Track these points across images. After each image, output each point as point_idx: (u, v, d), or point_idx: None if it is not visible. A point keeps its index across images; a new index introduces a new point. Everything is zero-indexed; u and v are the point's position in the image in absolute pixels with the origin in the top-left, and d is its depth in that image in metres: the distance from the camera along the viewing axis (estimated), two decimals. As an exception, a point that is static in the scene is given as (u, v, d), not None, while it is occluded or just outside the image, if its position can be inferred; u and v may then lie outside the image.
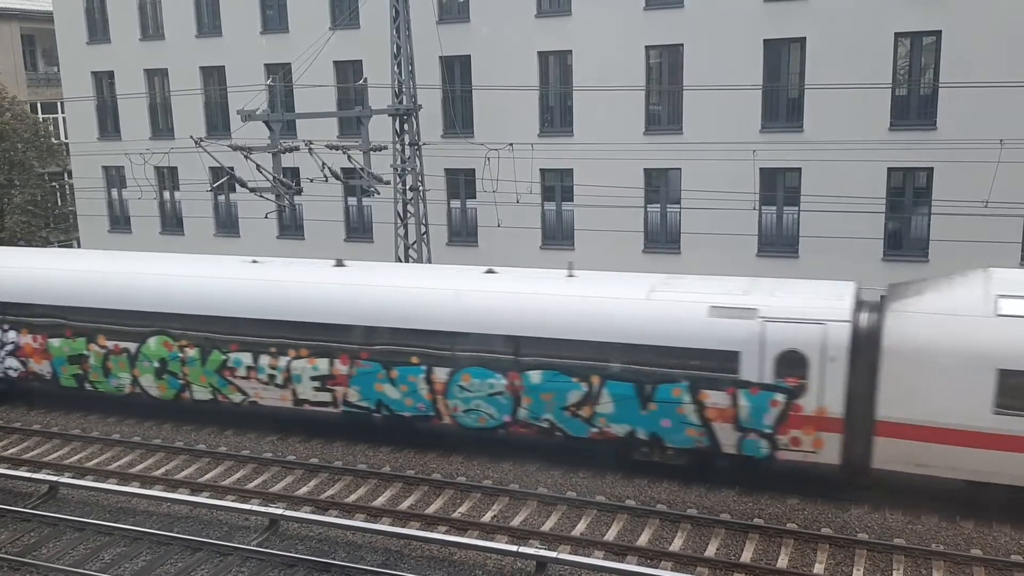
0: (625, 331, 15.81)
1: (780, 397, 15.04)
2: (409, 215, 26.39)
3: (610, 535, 14.44)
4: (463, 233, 29.79)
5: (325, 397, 17.96)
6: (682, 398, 15.59)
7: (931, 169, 24.41)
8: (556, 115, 28.35)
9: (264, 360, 18.22)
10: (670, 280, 16.78)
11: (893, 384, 14.36)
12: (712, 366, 15.32)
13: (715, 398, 15.38)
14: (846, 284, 15.78)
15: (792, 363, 14.90)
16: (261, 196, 22.74)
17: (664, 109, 27.30)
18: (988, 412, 13.86)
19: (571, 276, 17.37)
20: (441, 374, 17.02)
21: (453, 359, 16.93)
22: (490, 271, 18.07)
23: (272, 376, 18.22)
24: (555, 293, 16.70)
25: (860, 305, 15.27)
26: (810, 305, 15.08)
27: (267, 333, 18.12)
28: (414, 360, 17.20)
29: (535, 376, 16.45)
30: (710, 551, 13.90)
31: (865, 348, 14.63)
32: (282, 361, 18.07)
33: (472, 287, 17.33)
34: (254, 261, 19.82)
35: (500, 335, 16.55)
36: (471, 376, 16.86)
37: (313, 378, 17.92)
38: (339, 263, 19.11)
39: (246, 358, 18.36)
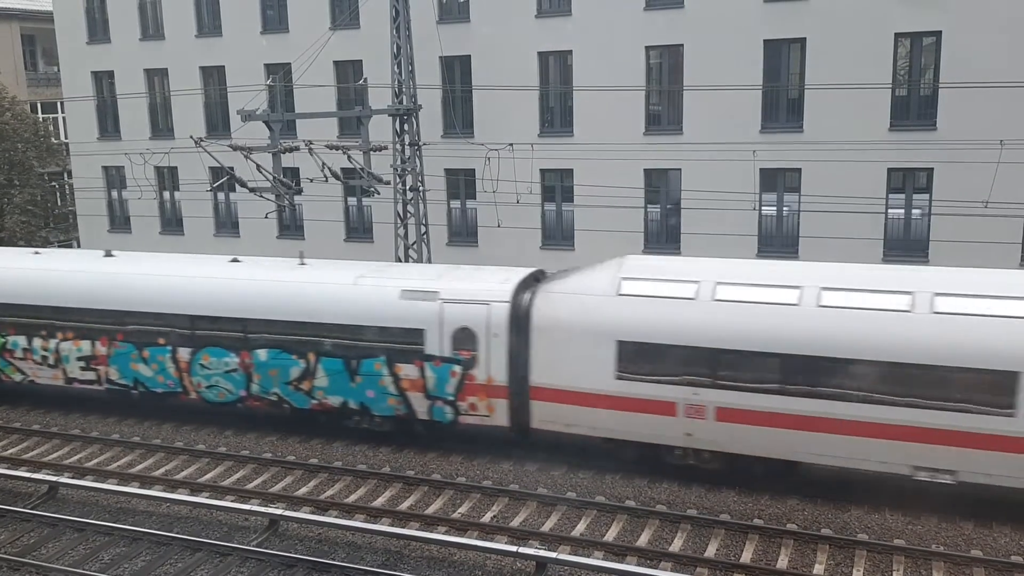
0: (334, 312, 17.68)
1: (457, 368, 17.07)
2: (409, 215, 26.38)
3: (610, 535, 14.45)
4: (463, 233, 29.79)
5: (90, 376, 19.74)
6: (382, 371, 17.50)
7: (931, 169, 24.41)
8: (556, 115, 28.33)
9: (37, 342, 19.98)
10: (380, 268, 18.84)
11: (541, 354, 16.50)
12: (404, 342, 17.29)
13: (408, 370, 17.36)
14: (523, 269, 17.78)
15: (465, 338, 16.94)
16: (261, 196, 22.76)
17: (664, 109, 27.29)
18: (611, 378, 15.87)
19: (302, 264, 19.24)
20: (184, 354, 18.82)
21: (193, 339, 18.63)
22: (235, 260, 19.86)
23: (45, 357, 20.00)
24: (280, 279, 18.53)
25: (523, 287, 17.12)
26: (480, 288, 17.10)
27: (39, 317, 19.92)
28: (161, 341, 18.97)
29: (262, 354, 18.27)
30: (710, 552, 13.91)
31: (521, 324, 16.66)
32: (52, 343, 19.79)
33: (209, 274, 19.13)
34: (36, 252, 21.76)
35: (231, 317, 18.42)
36: (209, 355, 18.66)
37: (79, 358, 19.70)
38: (108, 253, 20.87)
39: (22, 341, 20.13)
